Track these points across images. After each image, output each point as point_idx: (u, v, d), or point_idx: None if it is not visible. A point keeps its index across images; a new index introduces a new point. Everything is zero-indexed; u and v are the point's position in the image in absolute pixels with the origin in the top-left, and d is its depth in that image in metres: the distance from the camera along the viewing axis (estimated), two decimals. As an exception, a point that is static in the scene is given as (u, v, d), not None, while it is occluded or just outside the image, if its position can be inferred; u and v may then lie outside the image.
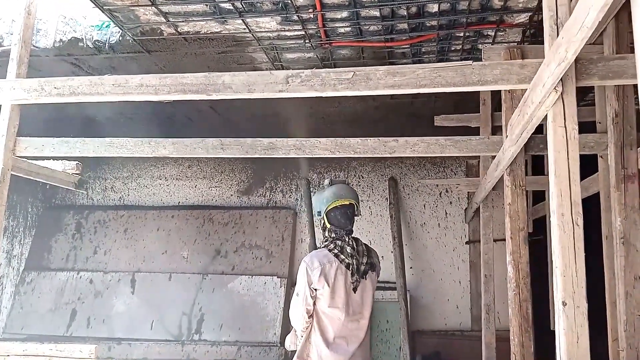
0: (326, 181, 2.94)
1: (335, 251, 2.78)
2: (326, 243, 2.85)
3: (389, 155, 3.24)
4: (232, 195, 7.16)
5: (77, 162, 3.91)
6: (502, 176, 3.19)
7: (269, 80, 2.39)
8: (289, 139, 3.26)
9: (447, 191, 6.65)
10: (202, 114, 6.21)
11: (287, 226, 6.71)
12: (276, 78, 2.38)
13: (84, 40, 4.41)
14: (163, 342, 6.11)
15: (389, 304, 6.13)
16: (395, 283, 6.12)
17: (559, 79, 1.78)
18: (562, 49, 1.64)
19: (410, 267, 6.47)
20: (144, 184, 7.41)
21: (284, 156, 3.28)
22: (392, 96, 5.61)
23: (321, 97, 5.89)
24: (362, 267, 2.81)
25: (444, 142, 3.18)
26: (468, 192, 6.47)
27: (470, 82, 2.17)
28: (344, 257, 2.77)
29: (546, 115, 2.01)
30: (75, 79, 2.63)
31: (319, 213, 2.88)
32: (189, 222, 6.92)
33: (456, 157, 6.60)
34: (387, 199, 6.66)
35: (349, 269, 2.77)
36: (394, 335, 6.07)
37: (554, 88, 1.81)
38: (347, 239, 2.83)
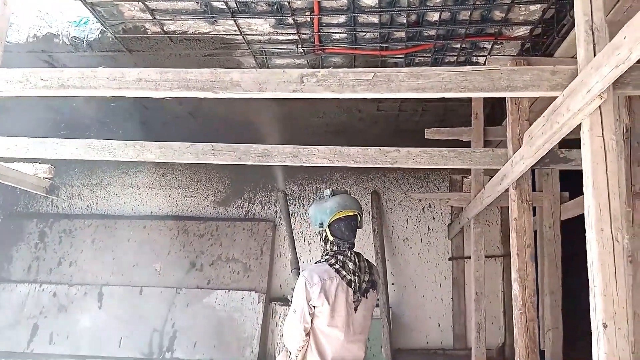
0: (327, 191, 2.76)
1: (337, 266, 2.59)
2: (327, 257, 2.65)
3: (390, 166, 3.09)
4: (208, 205, 6.88)
5: (49, 165, 3.62)
6: (506, 190, 3.09)
7: (282, 79, 2.19)
8: (285, 145, 3.08)
9: (430, 206, 6.54)
10: (179, 120, 5.96)
11: (266, 239, 6.47)
12: (290, 77, 2.18)
13: (60, 37, 4.14)
14: (132, 360, 5.76)
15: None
16: (377, 300, 5.95)
17: (611, 83, 1.67)
18: (623, 49, 1.52)
19: (392, 283, 6.32)
20: (114, 192, 7.05)
21: (279, 164, 3.09)
22: (378, 107, 5.51)
23: (306, 107, 5.71)
24: (364, 285, 2.63)
25: (448, 154, 3.05)
26: (452, 208, 6.40)
27: (498, 88, 2.03)
28: (345, 274, 2.59)
29: (578, 125, 1.89)
30: (65, 71, 2.35)
31: (321, 225, 2.68)
32: (162, 233, 6.60)
33: (439, 171, 6.52)
34: (369, 212, 6.50)
35: (350, 286, 2.58)
36: (375, 353, 5.88)
37: (600, 94, 1.69)
38: (348, 254, 2.64)
